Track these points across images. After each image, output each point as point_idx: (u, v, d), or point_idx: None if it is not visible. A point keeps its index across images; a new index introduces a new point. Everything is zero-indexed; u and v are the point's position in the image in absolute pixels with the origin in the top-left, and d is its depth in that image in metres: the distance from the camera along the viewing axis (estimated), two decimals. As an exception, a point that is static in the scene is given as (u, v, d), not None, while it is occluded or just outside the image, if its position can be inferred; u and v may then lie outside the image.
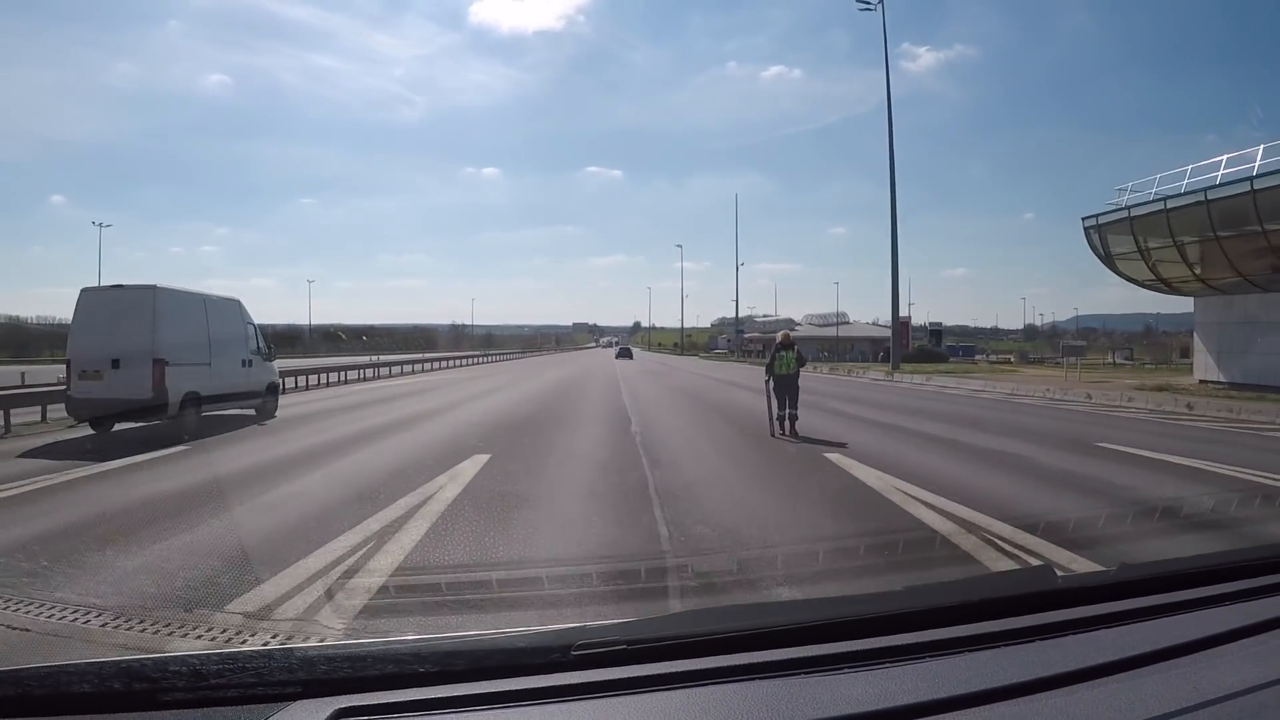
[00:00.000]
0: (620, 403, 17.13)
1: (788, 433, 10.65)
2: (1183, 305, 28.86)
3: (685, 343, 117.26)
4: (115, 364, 10.87)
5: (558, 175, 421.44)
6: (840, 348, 76.47)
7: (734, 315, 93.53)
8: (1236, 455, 9.28)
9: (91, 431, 11.19)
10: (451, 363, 47.08)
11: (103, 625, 3.30)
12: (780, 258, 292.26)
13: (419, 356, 45.12)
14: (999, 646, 1.27)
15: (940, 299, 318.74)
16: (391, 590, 3.84)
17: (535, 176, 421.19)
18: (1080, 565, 4.14)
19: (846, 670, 1.18)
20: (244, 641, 3.18)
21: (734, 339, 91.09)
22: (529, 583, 3.91)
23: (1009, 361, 63.79)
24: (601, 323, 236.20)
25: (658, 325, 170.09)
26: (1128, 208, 25.31)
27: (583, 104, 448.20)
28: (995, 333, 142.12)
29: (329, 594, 3.73)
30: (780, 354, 11.22)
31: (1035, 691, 1.12)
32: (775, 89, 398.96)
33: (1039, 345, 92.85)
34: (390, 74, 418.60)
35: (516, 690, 1.11)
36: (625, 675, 1.15)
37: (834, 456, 8.72)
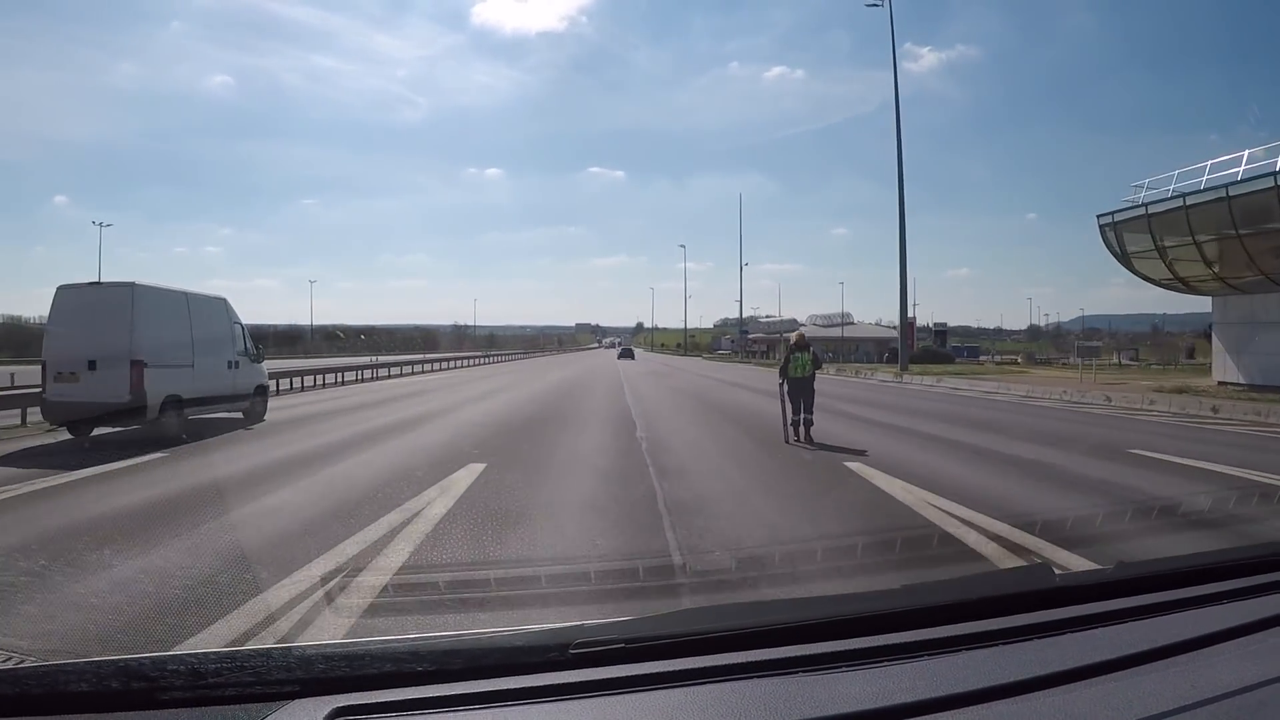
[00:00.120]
0: (624, 405, 16.58)
1: (803, 439, 10.05)
2: (1190, 305, 28.43)
3: (688, 343, 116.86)
4: (92, 365, 10.36)
5: (560, 176, 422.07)
6: (845, 348, 75.99)
7: (737, 315, 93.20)
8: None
9: (69, 436, 10.66)
10: (453, 363, 46.63)
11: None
12: (783, 258, 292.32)
13: (420, 357, 44.69)
14: (997, 645, 1.26)
15: (943, 299, 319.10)
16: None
17: (538, 177, 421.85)
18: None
19: (844, 669, 1.17)
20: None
21: (739, 339, 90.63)
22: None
23: (1016, 362, 63.00)
24: (604, 323, 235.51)
25: (660, 326, 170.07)
26: (1145, 205, 24.68)
27: (585, 104, 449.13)
28: (999, 333, 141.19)
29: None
30: (795, 355, 10.60)
31: (1033, 690, 1.11)
32: (777, 89, 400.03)
33: (1043, 346, 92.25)
34: (393, 75, 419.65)
35: (514, 689, 1.10)
36: (623, 674, 1.13)
37: (855, 465, 8.16)
